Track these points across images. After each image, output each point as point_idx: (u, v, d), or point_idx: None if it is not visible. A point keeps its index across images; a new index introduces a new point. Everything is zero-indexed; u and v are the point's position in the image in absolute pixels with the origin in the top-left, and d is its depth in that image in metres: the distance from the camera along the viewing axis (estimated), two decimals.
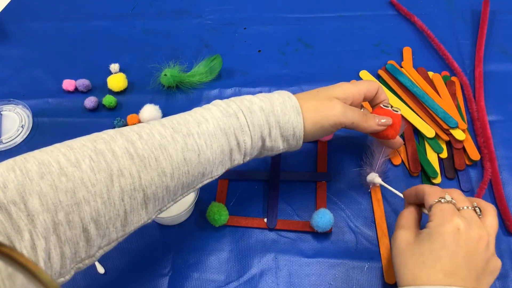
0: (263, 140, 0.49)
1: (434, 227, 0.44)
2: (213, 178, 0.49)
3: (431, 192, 0.47)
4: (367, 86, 0.55)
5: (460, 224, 0.43)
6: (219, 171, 0.49)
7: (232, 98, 0.50)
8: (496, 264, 0.45)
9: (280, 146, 0.51)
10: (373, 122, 0.54)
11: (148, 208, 0.44)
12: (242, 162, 0.50)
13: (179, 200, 0.48)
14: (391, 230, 0.59)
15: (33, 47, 0.84)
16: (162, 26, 0.86)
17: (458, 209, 0.45)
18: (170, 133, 0.45)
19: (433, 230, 0.44)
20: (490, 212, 0.46)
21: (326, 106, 0.51)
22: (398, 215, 0.51)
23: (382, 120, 0.54)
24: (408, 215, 0.50)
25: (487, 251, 0.44)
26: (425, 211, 0.49)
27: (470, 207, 0.46)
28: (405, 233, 0.47)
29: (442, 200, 0.45)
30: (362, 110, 0.56)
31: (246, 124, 0.48)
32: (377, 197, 0.62)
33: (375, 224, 0.60)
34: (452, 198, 0.46)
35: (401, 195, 0.55)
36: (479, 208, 0.47)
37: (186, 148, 0.44)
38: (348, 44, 0.81)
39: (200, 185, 0.48)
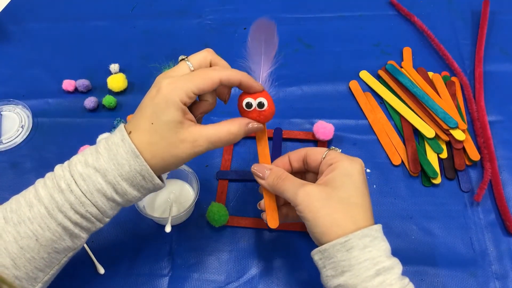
0: (112, 199, 0.44)
1: (346, 169, 0.46)
2: (78, 248, 0.46)
3: (312, 148, 0.51)
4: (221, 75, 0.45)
5: (361, 161, 0.47)
6: (79, 241, 0.45)
7: (66, 164, 0.45)
8: None
9: (136, 194, 0.44)
10: (235, 127, 0.47)
11: None
12: (102, 225, 0.45)
13: (57, 268, 0.46)
14: None
15: (33, 47, 0.84)
16: (162, 26, 0.86)
17: None
18: (1, 224, 0.43)
19: (347, 172, 0.46)
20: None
21: (169, 142, 0.43)
22: (276, 184, 0.48)
23: (251, 126, 0.48)
24: (289, 176, 0.48)
25: None
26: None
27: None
28: (311, 187, 0.46)
29: (333, 148, 0.50)
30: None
31: (82, 195, 0.42)
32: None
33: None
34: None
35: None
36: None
37: (19, 236, 0.42)
38: (348, 44, 0.81)
39: (68, 256, 0.46)
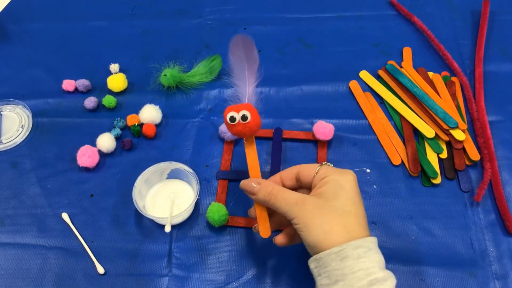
0: None
1: (340, 181, 0.46)
2: None
3: (304, 164, 0.51)
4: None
5: (354, 173, 0.48)
6: None
7: None
8: None
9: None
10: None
11: None
12: None
13: None
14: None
15: (33, 47, 0.84)
16: (162, 26, 0.86)
17: None
18: None
19: (341, 184, 0.46)
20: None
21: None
22: (270, 197, 0.48)
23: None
24: (280, 190, 0.48)
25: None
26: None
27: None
28: (304, 198, 0.47)
29: (324, 163, 0.50)
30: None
31: None
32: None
33: (375, 224, 0.60)
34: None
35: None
36: None
37: None
38: (348, 44, 0.81)
39: None
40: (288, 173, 0.51)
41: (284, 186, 0.51)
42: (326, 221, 0.44)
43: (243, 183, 0.51)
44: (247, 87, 0.53)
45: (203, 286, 0.56)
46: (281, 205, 0.47)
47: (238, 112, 0.50)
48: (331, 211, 0.45)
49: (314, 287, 0.44)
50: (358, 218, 0.45)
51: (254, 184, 0.50)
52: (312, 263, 0.45)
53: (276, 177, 0.52)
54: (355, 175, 0.48)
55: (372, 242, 0.44)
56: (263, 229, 0.50)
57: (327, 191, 0.46)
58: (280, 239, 0.51)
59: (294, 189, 0.51)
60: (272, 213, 0.52)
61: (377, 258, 0.43)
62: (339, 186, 0.46)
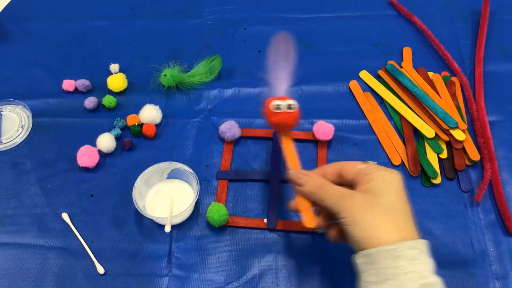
0: None
1: (386, 178, 0.45)
2: None
3: (346, 161, 0.50)
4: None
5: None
6: None
7: None
8: None
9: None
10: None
11: None
12: None
13: None
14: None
15: (33, 47, 0.84)
16: (162, 26, 0.86)
17: None
18: None
19: (387, 181, 0.45)
20: None
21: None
22: (317, 194, 0.48)
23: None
24: (328, 184, 0.48)
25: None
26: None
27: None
28: (352, 193, 0.46)
29: (367, 162, 0.48)
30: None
31: None
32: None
33: None
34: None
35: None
36: None
37: None
38: (348, 44, 0.81)
39: None
40: (331, 169, 0.50)
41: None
42: (374, 216, 0.43)
43: (292, 173, 0.50)
44: (281, 85, 0.54)
45: (203, 286, 0.56)
46: (328, 197, 0.46)
47: (283, 100, 0.51)
48: (379, 207, 0.43)
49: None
50: (407, 217, 0.44)
51: (305, 175, 0.49)
52: (359, 258, 0.43)
53: (319, 171, 0.50)
54: (401, 174, 0.47)
55: (423, 244, 0.42)
56: (308, 219, 0.49)
57: (375, 187, 0.45)
58: (333, 233, 0.49)
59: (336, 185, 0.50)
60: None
61: (429, 262, 0.42)
62: (387, 182, 0.45)
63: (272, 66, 0.55)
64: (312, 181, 0.48)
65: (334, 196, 0.46)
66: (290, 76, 0.54)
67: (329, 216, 0.49)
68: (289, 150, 0.53)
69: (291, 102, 0.51)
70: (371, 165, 0.47)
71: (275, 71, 0.54)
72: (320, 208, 0.50)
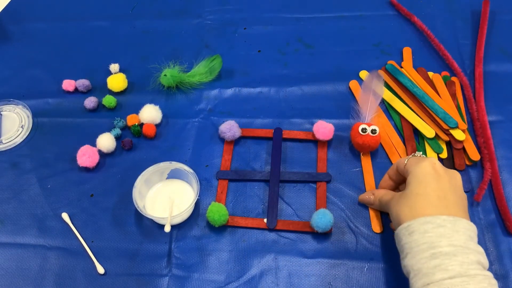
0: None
1: (413, 169, 0.52)
2: None
3: (401, 158, 0.59)
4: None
5: (433, 160, 0.52)
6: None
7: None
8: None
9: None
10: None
11: None
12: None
13: None
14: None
15: (33, 47, 0.84)
16: (162, 26, 0.86)
17: None
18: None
19: (413, 172, 0.51)
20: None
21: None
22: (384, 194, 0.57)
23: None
24: (387, 194, 0.57)
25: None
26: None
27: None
28: (395, 193, 0.55)
29: (414, 154, 0.56)
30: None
31: None
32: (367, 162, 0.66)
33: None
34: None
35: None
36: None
37: None
38: (348, 44, 0.81)
39: None
40: (392, 170, 0.58)
41: (392, 181, 0.59)
42: (398, 207, 0.51)
43: (362, 198, 0.61)
44: (367, 115, 0.66)
45: (203, 286, 0.56)
46: (382, 206, 0.57)
47: (369, 126, 0.63)
48: (404, 197, 0.51)
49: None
50: (427, 198, 0.49)
51: (371, 195, 0.60)
52: (395, 241, 0.51)
53: (386, 175, 0.59)
54: (434, 159, 0.52)
55: (446, 220, 0.46)
56: (375, 225, 0.60)
57: (408, 181, 0.52)
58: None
59: (401, 182, 0.58)
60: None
61: (448, 233, 0.45)
62: (413, 175, 0.51)
63: (362, 98, 0.68)
64: (377, 198, 0.58)
65: (386, 202, 0.55)
66: (376, 107, 0.67)
67: None
68: (367, 170, 0.64)
69: (375, 127, 0.63)
70: (410, 160, 0.54)
71: (365, 103, 0.67)
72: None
